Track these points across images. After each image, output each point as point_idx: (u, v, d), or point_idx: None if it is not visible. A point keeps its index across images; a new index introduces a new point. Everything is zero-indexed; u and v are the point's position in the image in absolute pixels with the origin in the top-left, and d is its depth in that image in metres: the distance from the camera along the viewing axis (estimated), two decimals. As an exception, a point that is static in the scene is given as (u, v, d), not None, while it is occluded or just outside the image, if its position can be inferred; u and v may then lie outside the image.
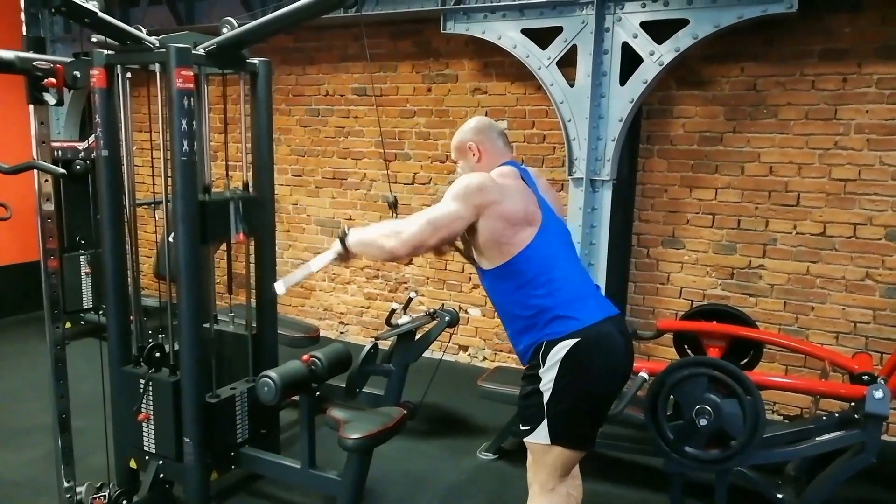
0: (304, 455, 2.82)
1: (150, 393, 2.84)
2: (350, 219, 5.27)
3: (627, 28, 3.66)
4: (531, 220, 2.06)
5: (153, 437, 2.89)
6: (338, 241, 2.19)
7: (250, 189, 2.99)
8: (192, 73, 2.56)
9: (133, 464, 3.00)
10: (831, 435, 2.54)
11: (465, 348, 4.97)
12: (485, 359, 4.89)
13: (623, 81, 3.72)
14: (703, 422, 2.33)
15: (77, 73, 2.34)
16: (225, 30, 2.71)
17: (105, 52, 2.68)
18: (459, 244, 2.23)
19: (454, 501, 3.04)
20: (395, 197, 3.12)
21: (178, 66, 2.52)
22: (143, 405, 2.86)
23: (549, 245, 2.07)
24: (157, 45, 2.60)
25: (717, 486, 2.57)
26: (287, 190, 5.46)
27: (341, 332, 5.43)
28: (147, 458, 2.93)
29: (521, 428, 2.13)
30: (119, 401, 2.96)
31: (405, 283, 5.12)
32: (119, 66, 2.73)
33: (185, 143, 2.58)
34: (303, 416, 2.80)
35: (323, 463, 2.83)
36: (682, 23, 3.53)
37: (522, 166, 2.25)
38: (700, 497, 2.78)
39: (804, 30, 3.63)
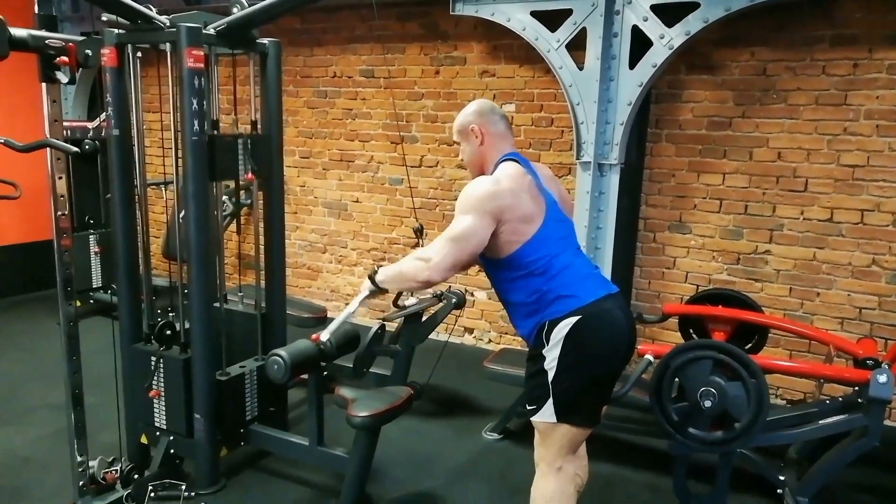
0: (312, 433, 2.86)
1: (161, 370, 2.88)
2: (357, 200, 5.29)
3: (637, 11, 3.64)
4: (538, 214, 2.08)
5: (164, 413, 2.94)
6: (367, 280, 2.32)
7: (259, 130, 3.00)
8: (202, 53, 2.58)
9: (144, 439, 3.05)
10: (834, 418, 2.57)
11: (470, 331, 5.00)
12: (490, 341, 4.92)
13: (632, 65, 3.70)
14: (707, 403, 2.36)
15: (89, 52, 2.34)
16: (235, 10, 2.71)
17: (115, 31, 2.69)
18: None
19: (460, 481, 3.09)
20: (421, 225, 3.27)
21: (189, 45, 2.54)
22: (153, 382, 2.90)
23: (551, 234, 2.09)
24: (168, 24, 2.61)
25: (720, 467, 2.60)
26: (294, 172, 5.48)
27: (347, 314, 5.45)
28: (158, 434, 2.98)
29: (528, 407, 2.17)
30: (130, 378, 3.00)
31: (411, 265, 5.14)
32: (130, 46, 2.74)
33: (196, 122, 2.60)
34: (311, 395, 2.83)
35: (330, 441, 2.87)
36: (693, 6, 3.51)
37: (524, 158, 2.24)
38: (704, 479, 2.81)
39: (815, 15, 3.60)
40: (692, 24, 3.52)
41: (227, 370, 2.98)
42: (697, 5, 3.49)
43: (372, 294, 2.33)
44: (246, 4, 2.71)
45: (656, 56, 3.63)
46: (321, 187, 5.44)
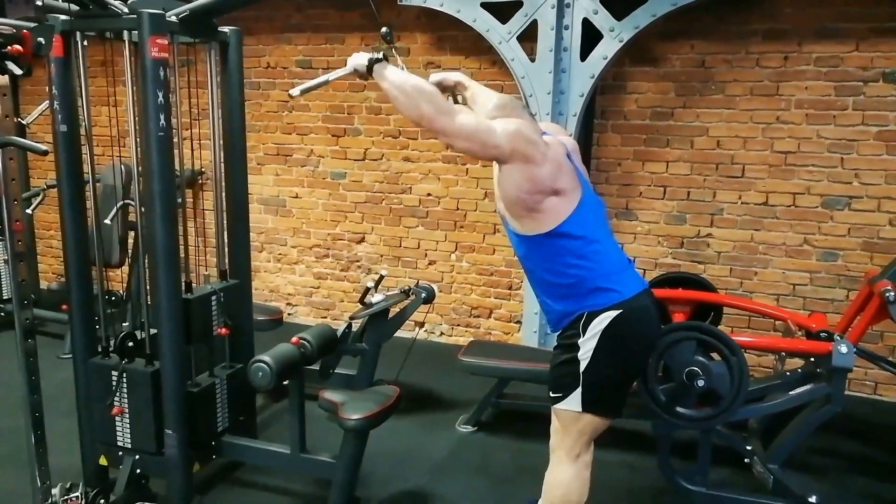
0: (294, 440, 2.75)
1: (125, 385, 2.67)
2: (296, 196, 5.11)
3: (588, 4, 3.73)
4: (561, 189, 2.02)
5: (128, 431, 2.73)
6: (366, 58, 2.04)
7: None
8: (166, 42, 2.39)
9: (103, 460, 2.82)
10: (802, 389, 2.75)
11: (420, 324, 4.96)
12: (442, 334, 4.91)
13: (583, 57, 3.79)
14: (700, 383, 2.46)
15: (41, 40, 2.12)
16: (198, -5, 2.53)
17: (62, 17, 2.44)
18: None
19: (442, 475, 3.07)
20: (388, 31, 2.37)
21: (153, 33, 2.34)
22: (116, 398, 2.68)
23: (590, 216, 2.08)
24: (126, 10, 2.40)
25: (701, 443, 2.72)
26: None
27: (289, 314, 5.28)
28: (121, 453, 2.76)
29: (552, 395, 2.16)
30: (87, 395, 2.76)
31: (357, 261, 5.04)
32: (78, 34, 2.50)
33: (162, 117, 2.41)
34: (293, 401, 2.72)
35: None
36: (640, 0, 3.63)
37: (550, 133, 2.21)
38: (680, 455, 2.93)
39: (750, 10, 3.82)
40: (641, 17, 3.64)
41: (196, 380, 2.81)
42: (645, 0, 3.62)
43: (359, 75, 2.08)
44: (210, -10, 2.53)
45: (607, 48, 3.73)
46: (256, 183, 5.20)
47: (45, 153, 1.93)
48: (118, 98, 2.88)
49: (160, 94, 2.39)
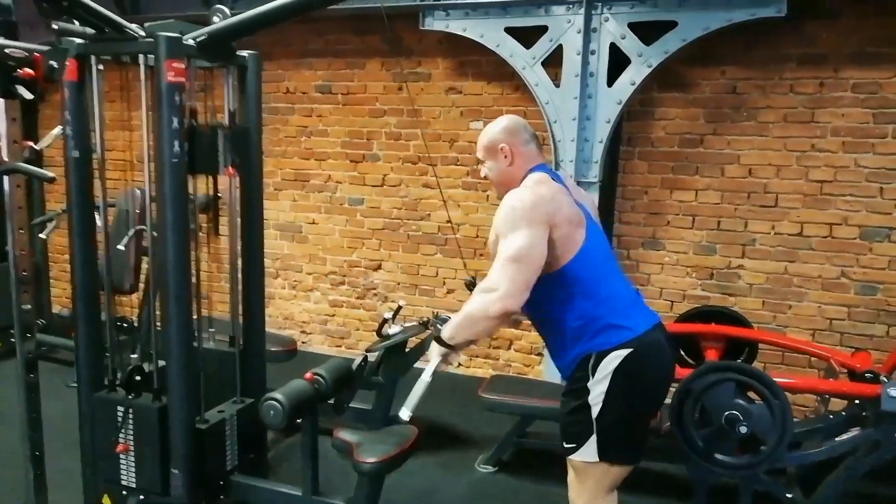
0: (306, 481, 2.61)
1: (131, 421, 2.55)
2: (313, 222, 5.02)
3: (615, 29, 3.63)
4: (580, 226, 1.97)
5: (133, 469, 2.60)
6: (434, 343, 2.04)
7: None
8: (183, 66, 2.31)
9: (107, 500, 2.69)
10: (850, 435, 2.57)
11: (438, 355, 4.81)
12: (460, 365, 4.75)
13: (610, 83, 3.68)
14: (743, 429, 2.29)
15: (54, 64, 2.06)
16: (216, 18, 2.46)
17: (77, 41, 2.38)
18: None
19: (461, 520, 2.90)
20: (473, 278, 2.84)
21: (169, 57, 2.26)
22: (121, 435, 2.56)
23: (596, 252, 2.00)
24: (143, 34, 2.33)
25: (742, 491, 2.55)
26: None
27: (303, 342, 5.16)
28: (125, 492, 2.64)
29: (566, 445, 2.03)
30: (90, 431, 2.65)
31: (374, 289, 4.92)
32: (93, 58, 2.43)
33: (177, 143, 2.32)
34: (306, 440, 2.59)
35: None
36: (670, 25, 3.53)
37: (554, 171, 2.16)
38: (716, 499, 2.75)
39: (783, 35, 3.70)
40: (671, 42, 3.54)
41: (205, 416, 2.68)
42: (675, 24, 3.51)
43: (445, 358, 2.02)
44: (228, 14, 2.46)
45: (634, 74, 3.62)
46: (272, 209, 5.13)
47: (52, 180, 1.85)
48: (134, 122, 2.82)
49: (175, 120, 2.31)
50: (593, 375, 1.93)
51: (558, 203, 1.95)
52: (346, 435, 2.51)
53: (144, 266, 4.07)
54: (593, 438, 1.94)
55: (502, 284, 1.85)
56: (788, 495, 2.79)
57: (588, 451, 1.96)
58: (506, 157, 2.09)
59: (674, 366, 2.06)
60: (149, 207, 2.77)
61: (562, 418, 2.05)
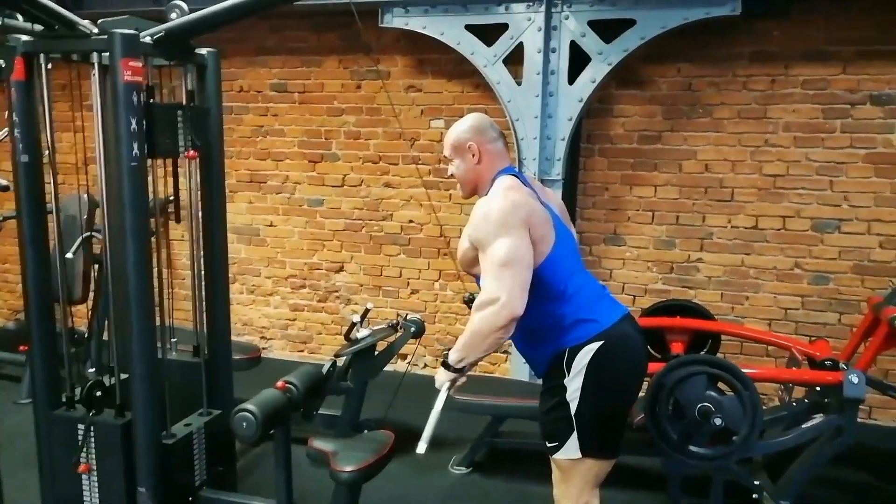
0: (280, 494, 2.52)
1: (93, 439, 2.43)
2: (271, 225, 4.90)
3: (575, 27, 3.65)
4: (549, 230, 1.97)
5: (96, 490, 2.48)
6: (441, 369, 1.99)
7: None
8: (140, 65, 2.21)
9: (67, 522, 2.56)
10: (814, 422, 2.65)
11: (403, 356, 4.77)
12: (426, 366, 4.73)
13: (571, 80, 3.70)
14: (717, 421, 2.34)
15: (1, 63, 1.93)
16: (174, 15, 2.36)
17: (24, 37, 2.24)
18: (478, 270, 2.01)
19: (437, 523, 2.88)
20: (472, 295, 2.72)
21: (125, 55, 2.15)
22: (83, 454, 2.44)
23: (565, 252, 2.00)
24: (96, 31, 2.21)
25: (714, 480, 2.60)
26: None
27: (264, 348, 5.03)
28: (87, 514, 2.51)
29: (548, 444, 2.02)
30: (49, 450, 2.51)
31: (336, 291, 4.84)
32: (42, 56, 2.30)
33: (136, 145, 2.22)
34: (279, 452, 2.50)
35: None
36: (629, 23, 3.57)
37: (521, 173, 2.14)
38: (688, 491, 2.79)
39: (737, 33, 3.79)
40: (629, 40, 3.58)
41: (171, 431, 2.57)
42: (634, 22, 3.56)
43: (454, 383, 1.99)
44: (186, 10, 2.36)
45: (595, 72, 3.65)
46: (229, 211, 4.94)
47: (7, 189, 1.73)
48: (78, 123, 2.67)
49: (133, 121, 2.20)
50: (569, 372, 1.93)
51: (531, 207, 1.94)
52: (321, 444, 2.45)
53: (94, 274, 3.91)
54: (574, 435, 1.95)
55: (502, 292, 1.82)
56: (756, 483, 2.86)
57: (571, 448, 1.96)
58: (473, 155, 2.06)
59: (646, 356, 2.07)
60: (103, 212, 2.63)
61: (541, 417, 2.05)
